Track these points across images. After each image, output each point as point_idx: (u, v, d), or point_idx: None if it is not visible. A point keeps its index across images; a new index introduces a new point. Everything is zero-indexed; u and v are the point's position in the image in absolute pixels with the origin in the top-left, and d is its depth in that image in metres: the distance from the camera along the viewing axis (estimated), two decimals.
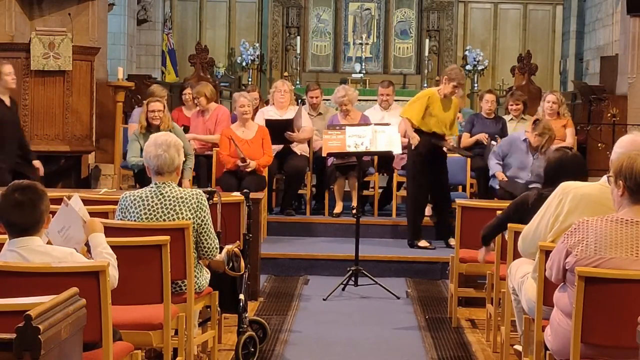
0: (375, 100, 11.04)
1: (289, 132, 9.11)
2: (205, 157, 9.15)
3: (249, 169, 8.56)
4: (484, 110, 9.69)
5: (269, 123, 9.14)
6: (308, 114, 9.74)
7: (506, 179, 8.26)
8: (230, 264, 5.08)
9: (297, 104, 10.49)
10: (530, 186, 6.48)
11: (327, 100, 11.04)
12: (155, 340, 4.38)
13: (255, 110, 9.77)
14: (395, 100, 10.58)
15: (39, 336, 2.62)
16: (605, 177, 4.24)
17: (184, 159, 5.00)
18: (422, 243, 8.50)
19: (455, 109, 8.58)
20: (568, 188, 4.28)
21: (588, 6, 15.82)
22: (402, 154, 8.81)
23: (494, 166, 8.41)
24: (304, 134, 9.30)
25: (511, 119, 9.81)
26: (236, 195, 6.35)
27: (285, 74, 15.73)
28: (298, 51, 15.94)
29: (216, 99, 9.62)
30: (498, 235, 5.48)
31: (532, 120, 8.49)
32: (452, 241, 8.41)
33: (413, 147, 8.36)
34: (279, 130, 9.08)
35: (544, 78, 16.15)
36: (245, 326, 5.32)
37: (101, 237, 4.03)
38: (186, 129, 9.23)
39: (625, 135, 4.40)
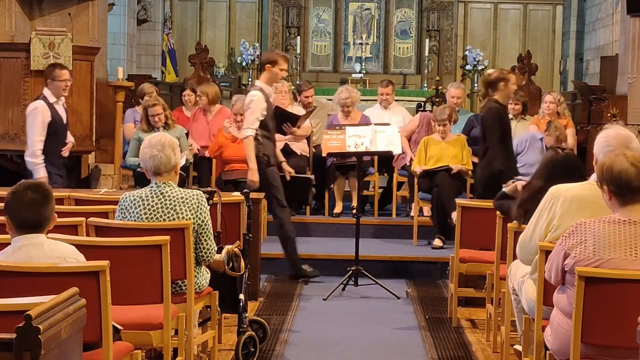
0: (376, 100, 11.05)
1: (289, 125, 9.10)
2: (207, 158, 9.16)
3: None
4: None
5: (280, 111, 9.13)
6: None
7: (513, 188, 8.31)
8: (230, 264, 5.08)
9: (296, 103, 10.48)
10: None
11: (330, 100, 11.03)
12: (155, 340, 4.38)
13: None
14: (396, 100, 10.58)
15: (39, 336, 2.62)
16: (594, 176, 4.24)
17: (180, 157, 5.00)
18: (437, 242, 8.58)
19: (456, 144, 8.87)
20: (558, 192, 4.27)
21: (588, 6, 15.81)
22: (402, 153, 8.86)
23: None
24: (300, 131, 9.29)
25: (511, 118, 9.80)
26: (236, 195, 6.35)
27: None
28: (298, 51, 15.93)
29: (219, 100, 9.69)
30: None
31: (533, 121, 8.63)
32: (436, 241, 8.50)
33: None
34: (286, 120, 9.10)
35: (544, 78, 16.14)
36: (245, 326, 5.32)
37: None
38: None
39: (606, 130, 4.35)
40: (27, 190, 3.63)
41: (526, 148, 8.50)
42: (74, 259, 3.76)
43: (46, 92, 7.64)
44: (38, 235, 3.67)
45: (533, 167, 8.29)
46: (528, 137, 8.69)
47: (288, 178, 7.90)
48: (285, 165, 7.96)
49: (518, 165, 8.42)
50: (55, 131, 7.66)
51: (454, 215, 8.03)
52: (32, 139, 7.58)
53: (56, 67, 7.79)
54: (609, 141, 4.22)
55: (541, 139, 8.48)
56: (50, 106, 7.57)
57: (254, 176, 7.44)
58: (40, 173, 7.56)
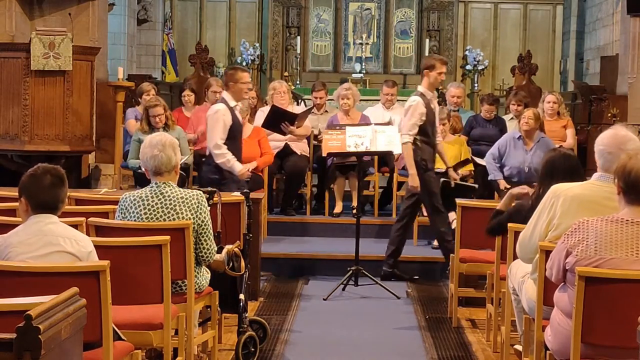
0: (376, 100, 11.05)
1: (287, 123, 9.08)
2: None
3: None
4: (483, 114, 9.71)
5: (277, 110, 9.13)
6: (312, 112, 9.74)
7: (509, 186, 8.26)
8: (231, 264, 5.08)
9: (298, 103, 10.48)
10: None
11: (331, 100, 11.03)
12: (155, 340, 4.38)
13: (255, 110, 9.75)
14: (397, 100, 10.58)
15: (39, 336, 2.62)
16: (595, 176, 4.24)
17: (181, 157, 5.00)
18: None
19: (456, 144, 8.93)
20: (558, 191, 4.27)
21: (588, 6, 15.81)
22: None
23: (494, 172, 8.42)
24: (300, 130, 9.28)
25: (511, 118, 9.81)
26: (236, 195, 6.35)
27: (286, 74, 15.72)
28: (298, 51, 15.93)
29: None
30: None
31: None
32: (436, 241, 8.51)
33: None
34: (284, 119, 9.09)
35: (544, 78, 16.14)
36: (245, 326, 5.32)
37: None
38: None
39: (606, 130, 4.36)
40: (46, 173, 3.79)
41: (506, 150, 8.42)
42: (83, 245, 3.84)
43: (226, 95, 7.53)
44: (52, 216, 3.81)
45: (516, 169, 8.28)
46: (505, 138, 8.57)
47: (452, 185, 7.86)
48: (451, 172, 7.95)
49: (503, 169, 8.43)
50: (234, 135, 7.56)
51: (451, 216, 8.05)
52: (212, 138, 7.45)
53: (237, 70, 7.71)
54: (603, 141, 4.23)
55: (519, 138, 8.33)
56: (231, 110, 7.48)
57: (414, 182, 7.50)
58: (237, 167, 7.45)
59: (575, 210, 4.15)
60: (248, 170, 7.61)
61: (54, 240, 3.76)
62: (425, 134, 7.58)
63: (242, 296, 5.29)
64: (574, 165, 4.87)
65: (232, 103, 7.48)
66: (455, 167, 8.61)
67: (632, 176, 3.71)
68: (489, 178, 8.57)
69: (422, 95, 7.58)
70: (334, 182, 9.42)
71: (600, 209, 3.97)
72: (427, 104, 7.58)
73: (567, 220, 4.10)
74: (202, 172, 7.94)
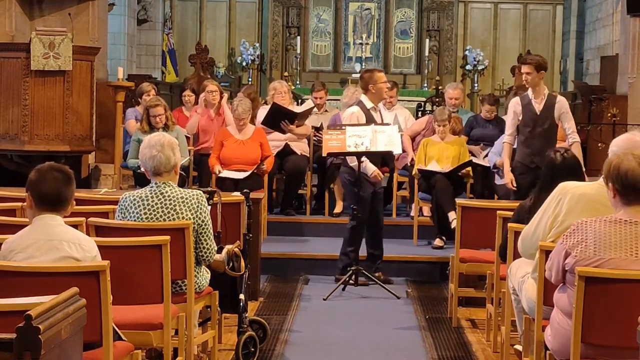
0: None
1: (287, 122, 9.08)
2: (208, 157, 9.14)
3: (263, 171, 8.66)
4: (483, 114, 9.70)
5: (277, 108, 9.13)
6: (313, 112, 9.75)
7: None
8: (230, 264, 5.08)
9: (299, 103, 10.47)
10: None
11: (331, 100, 11.02)
12: (155, 340, 4.38)
13: (254, 110, 9.74)
14: (398, 100, 10.58)
15: (39, 336, 2.62)
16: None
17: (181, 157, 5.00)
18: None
19: (456, 144, 8.92)
20: (566, 188, 4.29)
21: (588, 6, 15.82)
22: (404, 152, 8.87)
23: (492, 158, 8.44)
24: (300, 129, 9.27)
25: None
26: (236, 195, 6.35)
27: (285, 74, 15.74)
28: (298, 51, 15.94)
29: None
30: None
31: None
32: (437, 241, 8.50)
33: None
34: (284, 118, 9.09)
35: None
36: (245, 326, 5.32)
37: None
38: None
39: (623, 134, 4.39)
40: (51, 168, 3.79)
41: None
42: (88, 249, 3.81)
43: (363, 97, 7.64)
44: (55, 217, 3.77)
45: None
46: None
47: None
48: None
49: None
50: None
51: (451, 215, 8.04)
52: None
53: (374, 71, 7.78)
54: (617, 142, 4.28)
55: None
56: (366, 112, 7.56)
57: (505, 178, 7.53)
58: (370, 168, 7.54)
59: (581, 209, 4.16)
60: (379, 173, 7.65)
61: (59, 245, 3.73)
62: (522, 133, 7.52)
63: (242, 296, 5.29)
64: (574, 165, 4.87)
65: (370, 105, 7.61)
66: (458, 169, 8.63)
67: (629, 177, 3.71)
68: (491, 164, 8.59)
69: (522, 96, 7.61)
70: (334, 182, 9.42)
71: (605, 209, 3.97)
72: (526, 105, 7.51)
73: (572, 218, 4.11)
74: (340, 174, 8.12)
